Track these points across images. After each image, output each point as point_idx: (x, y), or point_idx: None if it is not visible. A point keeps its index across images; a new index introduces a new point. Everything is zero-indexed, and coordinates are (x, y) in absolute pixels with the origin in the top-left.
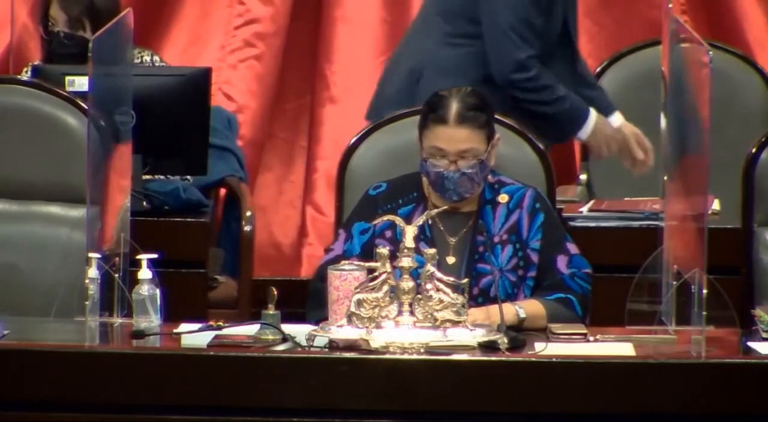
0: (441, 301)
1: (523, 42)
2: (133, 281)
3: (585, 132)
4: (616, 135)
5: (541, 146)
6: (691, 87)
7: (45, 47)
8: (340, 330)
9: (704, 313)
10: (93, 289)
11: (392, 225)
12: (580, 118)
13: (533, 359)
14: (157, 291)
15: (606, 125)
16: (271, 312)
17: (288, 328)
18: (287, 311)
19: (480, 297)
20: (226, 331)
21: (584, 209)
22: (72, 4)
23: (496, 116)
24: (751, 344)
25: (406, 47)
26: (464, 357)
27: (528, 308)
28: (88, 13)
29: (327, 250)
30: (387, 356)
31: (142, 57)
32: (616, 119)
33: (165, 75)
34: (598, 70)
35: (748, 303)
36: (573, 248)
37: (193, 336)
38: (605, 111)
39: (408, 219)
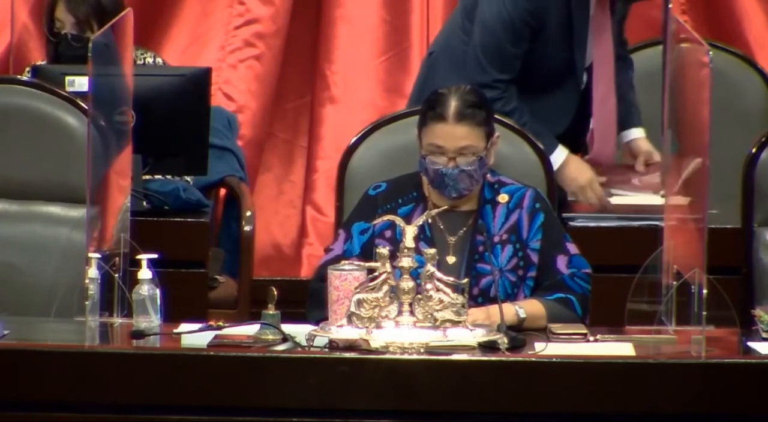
0: (441, 301)
1: (490, 66)
2: (133, 281)
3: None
4: (578, 179)
5: (541, 146)
6: (691, 87)
7: (51, 49)
8: (340, 330)
9: (704, 313)
10: (93, 289)
11: (392, 225)
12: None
13: (533, 359)
14: (157, 291)
15: (572, 167)
16: (271, 312)
17: (288, 328)
18: (287, 311)
19: (480, 298)
20: (226, 331)
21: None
22: (79, 5)
23: (497, 116)
24: (751, 344)
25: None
26: (464, 357)
27: (528, 308)
28: (96, 13)
29: (327, 250)
30: (387, 356)
31: (144, 58)
32: (632, 134)
33: (165, 75)
34: None
35: (748, 303)
36: (573, 248)
37: (193, 336)
38: (622, 122)
39: (408, 219)
